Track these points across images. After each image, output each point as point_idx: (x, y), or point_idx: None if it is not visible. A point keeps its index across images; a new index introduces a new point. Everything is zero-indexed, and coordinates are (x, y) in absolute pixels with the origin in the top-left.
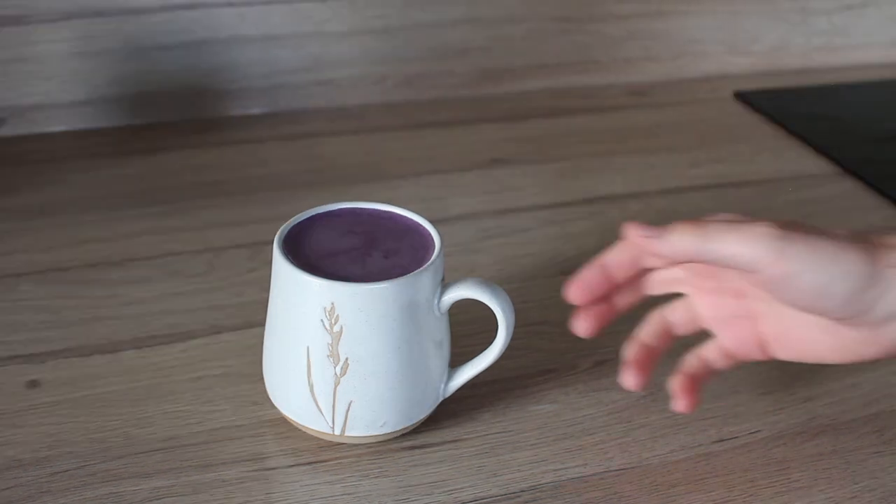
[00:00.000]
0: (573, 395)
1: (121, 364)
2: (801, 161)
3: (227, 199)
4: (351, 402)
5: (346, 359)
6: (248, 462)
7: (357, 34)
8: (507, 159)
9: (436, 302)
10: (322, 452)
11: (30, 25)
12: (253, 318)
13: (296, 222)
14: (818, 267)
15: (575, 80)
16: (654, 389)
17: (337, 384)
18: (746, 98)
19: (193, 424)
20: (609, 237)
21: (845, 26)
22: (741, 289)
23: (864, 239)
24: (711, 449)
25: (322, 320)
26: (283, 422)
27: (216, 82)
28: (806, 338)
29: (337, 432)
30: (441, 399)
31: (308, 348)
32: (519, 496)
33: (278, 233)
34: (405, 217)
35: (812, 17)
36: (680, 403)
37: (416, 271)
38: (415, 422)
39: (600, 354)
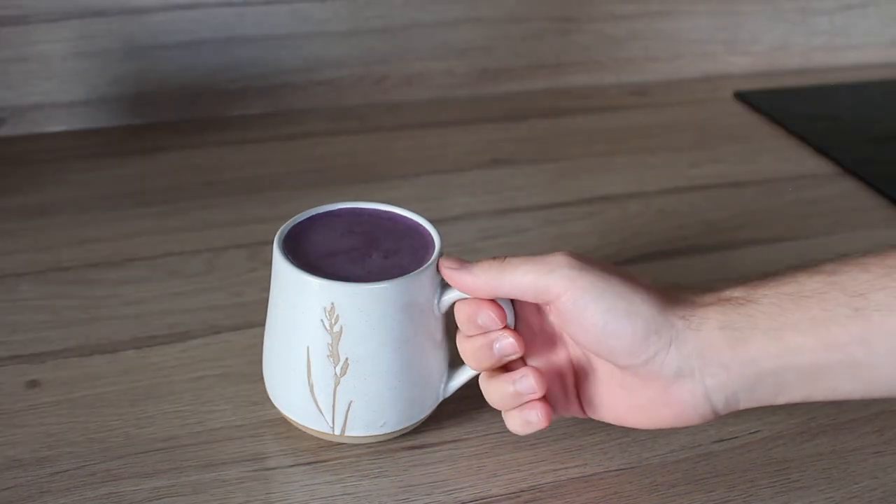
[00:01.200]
0: None
1: (121, 364)
2: (801, 161)
3: (227, 199)
4: (351, 402)
5: (346, 359)
6: (248, 462)
7: (357, 34)
8: (507, 159)
9: (436, 302)
10: (322, 452)
11: (30, 25)
12: (252, 318)
13: (296, 222)
14: (606, 301)
15: (575, 80)
16: None
17: (337, 384)
18: (746, 98)
19: (193, 424)
20: (609, 237)
21: (845, 26)
22: (558, 349)
23: (663, 289)
24: (711, 449)
25: (322, 320)
26: (283, 422)
27: (216, 82)
28: (607, 395)
29: (337, 432)
30: (441, 399)
31: (308, 348)
32: (519, 496)
33: (278, 233)
34: (405, 217)
35: (812, 17)
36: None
37: (416, 271)
38: (415, 422)
39: None
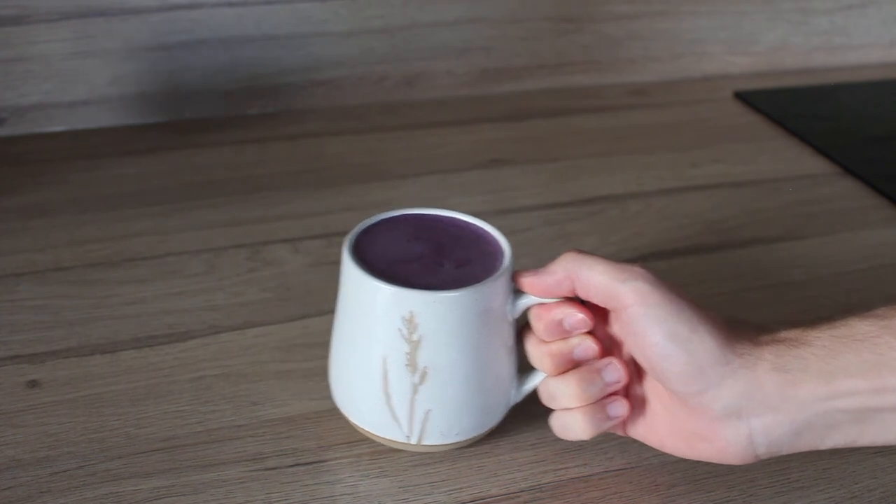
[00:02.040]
0: None
1: (120, 364)
2: (801, 161)
3: (227, 199)
4: (429, 410)
5: (425, 367)
6: (248, 462)
7: (357, 34)
8: (507, 159)
9: (508, 307)
10: (322, 452)
11: (30, 25)
12: (252, 318)
13: (361, 229)
14: (671, 324)
15: (575, 80)
16: None
17: (415, 393)
18: (746, 98)
19: (193, 424)
20: (609, 237)
21: (845, 26)
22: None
23: (727, 323)
24: None
25: (400, 329)
26: (283, 422)
27: (216, 82)
28: (651, 415)
29: (413, 441)
30: (511, 404)
31: (385, 358)
32: (519, 496)
33: (346, 240)
34: (469, 223)
35: (812, 17)
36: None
37: (492, 277)
38: (488, 428)
39: None
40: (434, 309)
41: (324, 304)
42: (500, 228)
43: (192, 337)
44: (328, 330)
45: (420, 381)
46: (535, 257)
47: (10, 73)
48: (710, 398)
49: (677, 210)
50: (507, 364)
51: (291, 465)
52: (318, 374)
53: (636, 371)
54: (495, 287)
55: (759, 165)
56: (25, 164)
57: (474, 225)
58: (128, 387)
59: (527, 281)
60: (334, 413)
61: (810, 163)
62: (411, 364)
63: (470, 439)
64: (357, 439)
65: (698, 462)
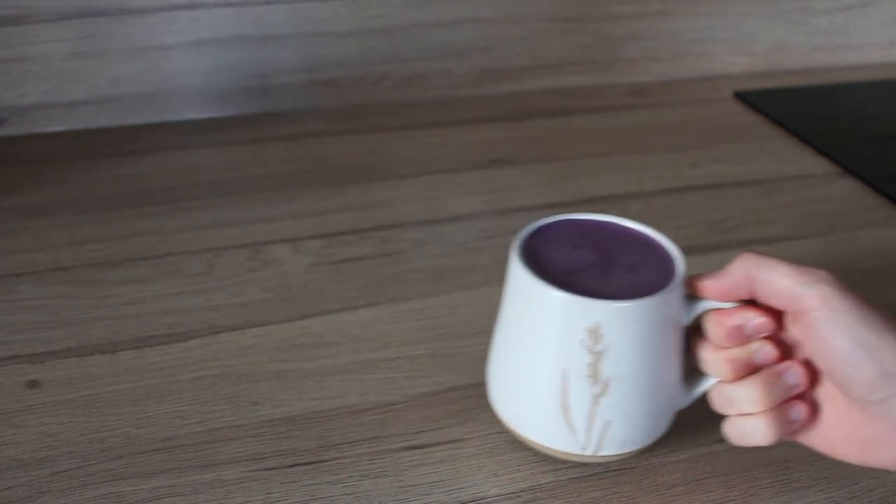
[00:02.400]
0: None
1: (120, 364)
2: (801, 161)
3: (227, 199)
4: (609, 421)
5: (608, 378)
6: (248, 462)
7: (357, 34)
8: (507, 159)
9: (683, 312)
10: (322, 452)
11: (30, 25)
12: (252, 318)
13: (524, 237)
14: (858, 330)
15: (575, 80)
16: None
17: (595, 405)
18: (746, 98)
19: (193, 424)
20: None
21: (845, 26)
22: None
23: None
24: (712, 449)
25: (582, 340)
26: (283, 422)
27: (216, 82)
28: (824, 421)
29: (589, 452)
30: (677, 409)
31: (565, 369)
32: (519, 496)
33: (515, 250)
34: (627, 227)
35: (812, 17)
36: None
37: (673, 282)
38: (657, 436)
39: None
40: (619, 319)
41: (324, 304)
42: (499, 228)
43: (192, 337)
44: (328, 330)
45: (601, 393)
46: None
47: (10, 73)
48: (894, 406)
49: (677, 210)
50: (678, 370)
51: (291, 465)
52: (318, 373)
53: (810, 375)
54: (674, 295)
55: (759, 165)
56: (25, 164)
57: (633, 229)
58: (128, 387)
59: (706, 284)
60: (334, 413)
61: (810, 163)
62: (593, 375)
63: (642, 448)
64: (357, 439)
65: (698, 462)
